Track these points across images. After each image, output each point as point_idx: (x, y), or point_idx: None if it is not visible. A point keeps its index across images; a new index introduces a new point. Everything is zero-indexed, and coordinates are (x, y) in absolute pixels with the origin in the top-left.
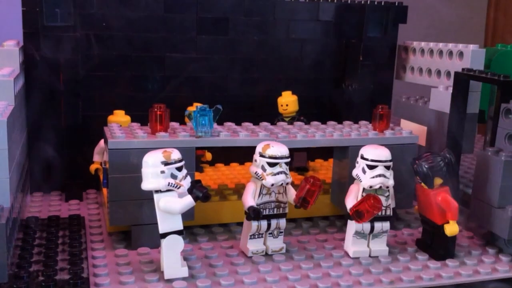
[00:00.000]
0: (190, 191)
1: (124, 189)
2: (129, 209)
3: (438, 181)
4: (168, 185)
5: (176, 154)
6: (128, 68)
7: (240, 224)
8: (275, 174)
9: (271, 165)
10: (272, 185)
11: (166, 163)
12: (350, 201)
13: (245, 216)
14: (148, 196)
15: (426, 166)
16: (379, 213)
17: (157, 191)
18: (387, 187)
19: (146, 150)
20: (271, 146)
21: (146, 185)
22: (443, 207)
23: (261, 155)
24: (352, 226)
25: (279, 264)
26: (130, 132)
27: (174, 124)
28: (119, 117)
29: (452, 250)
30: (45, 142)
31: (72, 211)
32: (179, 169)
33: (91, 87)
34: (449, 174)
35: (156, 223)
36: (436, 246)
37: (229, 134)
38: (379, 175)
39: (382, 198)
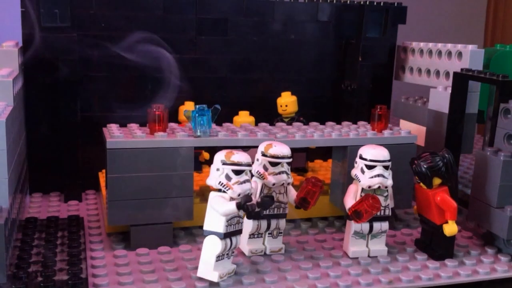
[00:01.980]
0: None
1: (123, 189)
2: (128, 209)
3: (437, 181)
4: (218, 183)
5: (237, 157)
6: (127, 69)
7: None
8: (276, 174)
9: (273, 164)
10: (274, 184)
11: (224, 163)
12: (349, 201)
13: (245, 215)
14: (147, 196)
15: (425, 166)
16: (378, 213)
17: (214, 189)
18: (386, 187)
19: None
20: (274, 145)
21: (207, 180)
22: (442, 207)
23: (263, 155)
24: (351, 226)
25: (278, 264)
26: (128, 132)
27: (173, 125)
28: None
29: (451, 250)
30: (44, 142)
31: (71, 211)
32: (236, 172)
33: (90, 88)
34: (448, 174)
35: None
36: (435, 246)
37: (228, 134)
38: (378, 175)
39: (381, 198)
